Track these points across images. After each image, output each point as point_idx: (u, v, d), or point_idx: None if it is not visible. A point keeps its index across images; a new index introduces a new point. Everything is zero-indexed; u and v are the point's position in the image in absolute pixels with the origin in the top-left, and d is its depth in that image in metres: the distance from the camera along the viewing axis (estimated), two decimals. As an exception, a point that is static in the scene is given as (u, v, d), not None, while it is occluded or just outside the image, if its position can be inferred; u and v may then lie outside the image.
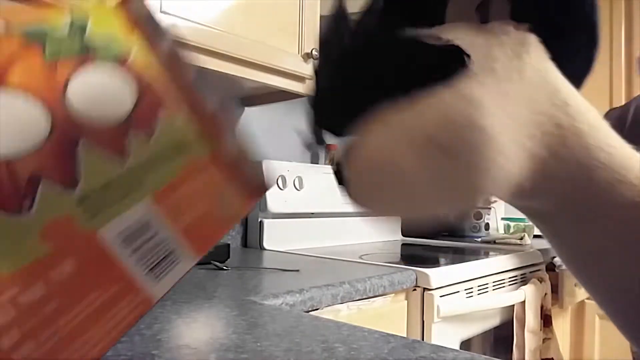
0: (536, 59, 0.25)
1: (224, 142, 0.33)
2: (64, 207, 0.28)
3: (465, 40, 0.25)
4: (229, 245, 1.15)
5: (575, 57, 0.28)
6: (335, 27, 0.27)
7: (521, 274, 1.44)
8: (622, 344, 1.59)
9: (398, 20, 0.27)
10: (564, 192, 0.25)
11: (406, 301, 1.10)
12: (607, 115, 1.47)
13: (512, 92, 0.24)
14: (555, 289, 1.62)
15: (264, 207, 1.47)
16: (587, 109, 0.25)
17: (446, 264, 1.22)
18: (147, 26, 0.32)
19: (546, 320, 1.45)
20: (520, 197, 0.26)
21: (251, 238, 1.51)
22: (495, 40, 0.25)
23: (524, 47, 0.25)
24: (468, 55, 0.24)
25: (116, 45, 0.30)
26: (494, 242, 1.87)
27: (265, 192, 0.35)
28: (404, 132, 0.24)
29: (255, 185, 0.34)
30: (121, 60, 0.30)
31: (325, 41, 0.28)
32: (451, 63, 0.24)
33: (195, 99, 0.33)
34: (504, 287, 1.35)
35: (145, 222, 0.30)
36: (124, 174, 0.29)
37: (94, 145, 0.28)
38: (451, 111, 0.23)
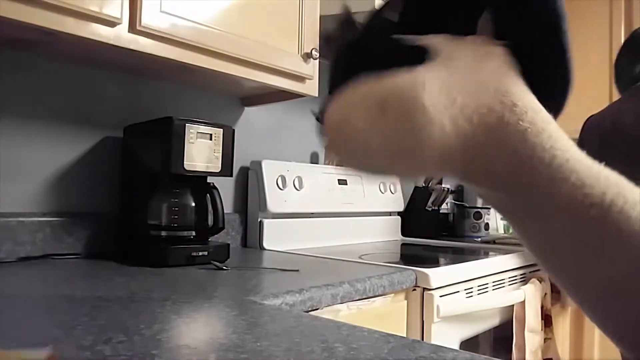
0: (494, 65, 0.30)
1: None
2: None
3: (438, 44, 0.31)
4: (228, 245, 1.16)
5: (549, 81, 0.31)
6: (341, 26, 0.34)
7: (521, 274, 1.45)
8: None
9: (394, 26, 0.33)
10: (509, 182, 0.29)
11: (406, 301, 1.10)
12: (587, 122, 1.51)
13: (460, 84, 0.29)
14: (556, 289, 1.62)
15: (263, 207, 1.47)
16: (536, 114, 0.28)
17: (446, 264, 1.22)
18: None
19: (546, 320, 1.45)
20: (465, 178, 0.31)
21: (251, 238, 1.51)
22: (464, 46, 0.31)
23: (486, 55, 0.30)
24: (430, 52, 0.30)
25: None
26: (494, 242, 1.86)
27: None
28: (362, 96, 0.30)
29: None
30: None
31: (333, 36, 0.35)
32: (418, 56, 0.30)
33: None
34: (503, 287, 1.35)
35: None
36: None
37: None
38: (400, 84, 0.29)
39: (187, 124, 1.08)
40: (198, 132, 1.09)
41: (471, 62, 0.29)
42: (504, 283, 1.35)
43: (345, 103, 0.31)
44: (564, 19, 0.30)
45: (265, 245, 1.47)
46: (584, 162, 0.27)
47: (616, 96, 2.19)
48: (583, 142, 1.50)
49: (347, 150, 0.31)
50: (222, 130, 1.14)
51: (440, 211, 2.10)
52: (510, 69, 0.30)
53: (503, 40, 0.30)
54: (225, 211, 1.18)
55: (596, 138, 1.46)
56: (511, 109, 0.28)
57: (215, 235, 1.17)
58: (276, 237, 1.50)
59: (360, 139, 0.30)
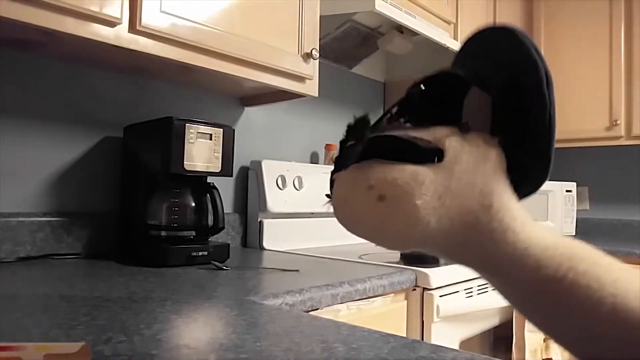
0: (487, 168, 0.35)
1: None
2: None
3: (448, 144, 0.35)
4: (228, 245, 1.16)
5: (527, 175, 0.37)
6: (358, 126, 0.39)
7: (521, 274, 1.44)
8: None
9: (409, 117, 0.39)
10: (479, 266, 0.36)
11: (406, 301, 1.10)
12: None
13: (453, 188, 0.34)
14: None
15: (263, 207, 1.47)
16: (506, 212, 0.34)
17: (446, 264, 1.22)
18: None
19: (546, 320, 1.45)
20: (445, 257, 0.38)
21: (251, 238, 1.51)
22: (468, 147, 0.35)
23: (483, 159, 0.35)
24: (442, 153, 0.35)
25: None
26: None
27: None
28: (368, 180, 0.35)
29: None
30: None
31: (351, 132, 0.40)
32: (430, 155, 0.35)
33: None
34: (503, 287, 1.35)
35: None
36: None
37: None
38: (401, 180, 0.34)
39: (187, 124, 1.08)
40: (198, 132, 1.09)
41: (470, 166, 0.35)
42: (503, 283, 1.35)
43: (353, 182, 0.37)
44: (554, 129, 0.35)
45: (265, 245, 1.47)
46: (542, 245, 0.34)
47: (616, 96, 2.19)
48: None
49: (346, 219, 0.38)
50: (222, 130, 1.14)
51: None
52: (499, 171, 0.35)
53: (500, 127, 0.37)
54: (225, 211, 1.18)
55: None
56: (487, 211, 0.34)
57: (215, 235, 1.17)
58: (276, 237, 1.50)
59: (358, 215, 0.36)
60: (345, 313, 0.93)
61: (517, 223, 0.34)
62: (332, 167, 0.41)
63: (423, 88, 0.39)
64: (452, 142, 0.35)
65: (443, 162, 0.35)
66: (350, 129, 0.39)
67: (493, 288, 0.38)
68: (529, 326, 1.34)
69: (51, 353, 0.38)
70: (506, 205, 0.34)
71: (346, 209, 0.37)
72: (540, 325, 0.36)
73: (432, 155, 0.35)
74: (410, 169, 0.34)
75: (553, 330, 0.35)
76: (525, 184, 0.37)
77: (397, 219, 0.34)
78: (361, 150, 0.37)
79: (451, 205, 0.34)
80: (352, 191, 0.36)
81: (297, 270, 1.04)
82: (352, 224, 0.38)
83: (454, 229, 0.34)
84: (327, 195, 0.40)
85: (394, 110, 0.39)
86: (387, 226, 0.35)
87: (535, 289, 0.34)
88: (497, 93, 0.37)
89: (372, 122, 0.39)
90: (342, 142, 0.39)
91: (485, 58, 0.39)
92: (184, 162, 1.07)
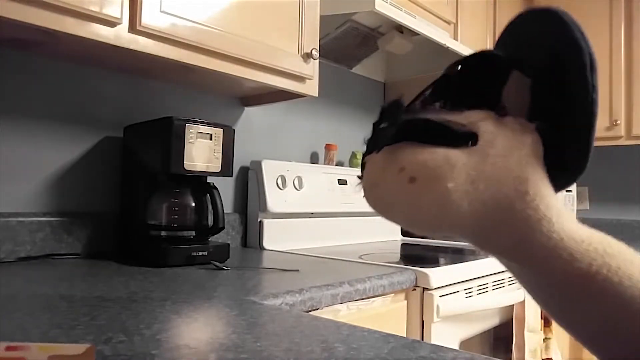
0: (523, 154, 0.34)
1: None
2: None
3: (482, 127, 0.34)
4: (228, 245, 1.16)
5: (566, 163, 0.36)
6: (393, 107, 0.38)
7: (521, 274, 1.44)
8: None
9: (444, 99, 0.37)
10: (512, 254, 0.35)
11: (406, 301, 1.10)
12: None
13: (487, 172, 0.33)
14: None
15: (263, 207, 1.47)
16: (542, 200, 0.33)
17: (446, 264, 1.22)
18: None
19: (546, 320, 1.45)
20: (474, 244, 0.37)
21: (251, 238, 1.51)
22: (503, 131, 0.34)
23: (519, 144, 0.34)
24: (476, 137, 0.34)
25: None
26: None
27: None
28: (400, 162, 0.35)
29: None
30: None
31: (385, 113, 0.38)
32: (463, 138, 0.34)
33: None
34: (503, 286, 1.35)
35: None
36: None
37: None
38: (433, 163, 0.33)
39: (187, 124, 1.08)
40: (198, 132, 1.09)
41: (505, 150, 0.34)
42: (503, 283, 1.35)
43: (384, 164, 0.36)
44: (596, 116, 0.33)
45: (265, 245, 1.47)
46: (577, 237, 0.33)
47: (616, 96, 2.19)
48: None
49: (377, 202, 0.37)
50: (222, 130, 1.14)
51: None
52: (536, 158, 0.34)
53: (539, 112, 0.35)
54: (225, 211, 1.18)
55: None
56: (522, 197, 0.33)
57: (215, 235, 1.17)
58: (276, 237, 1.50)
59: (389, 198, 0.36)
60: (345, 313, 0.93)
61: (552, 212, 0.33)
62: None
63: (460, 69, 0.38)
64: (487, 126, 0.35)
65: (477, 146, 0.34)
66: (383, 111, 0.38)
67: (516, 280, 0.37)
68: (529, 326, 1.34)
69: (56, 354, 0.38)
70: (542, 193, 0.33)
71: (377, 191, 0.37)
72: (565, 321, 0.35)
73: (465, 139, 0.34)
74: (442, 152, 0.34)
75: (578, 327, 0.34)
76: (562, 174, 0.35)
77: (428, 201, 0.33)
78: (394, 132, 0.36)
79: (484, 189, 0.33)
80: (382, 173, 0.36)
81: (297, 270, 1.04)
82: (382, 207, 0.37)
83: (487, 214, 0.33)
84: (359, 177, 0.39)
85: (428, 92, 0.39)
86: (418, 209, 0.34)
87: (567, 282, 0.33)
88: (537, 76, 0.36)
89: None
90: (375, 124, 0.39)
91: (527, 40, 0.37)
92: (184, 162, 1.07)
